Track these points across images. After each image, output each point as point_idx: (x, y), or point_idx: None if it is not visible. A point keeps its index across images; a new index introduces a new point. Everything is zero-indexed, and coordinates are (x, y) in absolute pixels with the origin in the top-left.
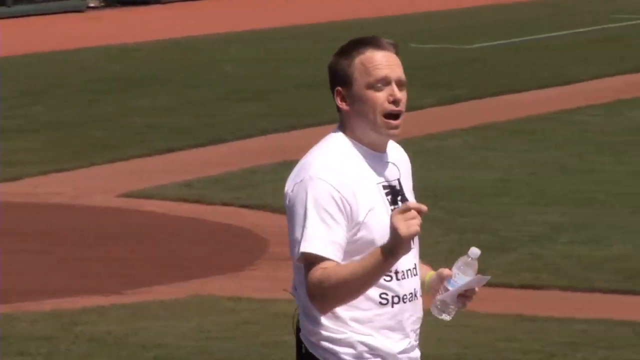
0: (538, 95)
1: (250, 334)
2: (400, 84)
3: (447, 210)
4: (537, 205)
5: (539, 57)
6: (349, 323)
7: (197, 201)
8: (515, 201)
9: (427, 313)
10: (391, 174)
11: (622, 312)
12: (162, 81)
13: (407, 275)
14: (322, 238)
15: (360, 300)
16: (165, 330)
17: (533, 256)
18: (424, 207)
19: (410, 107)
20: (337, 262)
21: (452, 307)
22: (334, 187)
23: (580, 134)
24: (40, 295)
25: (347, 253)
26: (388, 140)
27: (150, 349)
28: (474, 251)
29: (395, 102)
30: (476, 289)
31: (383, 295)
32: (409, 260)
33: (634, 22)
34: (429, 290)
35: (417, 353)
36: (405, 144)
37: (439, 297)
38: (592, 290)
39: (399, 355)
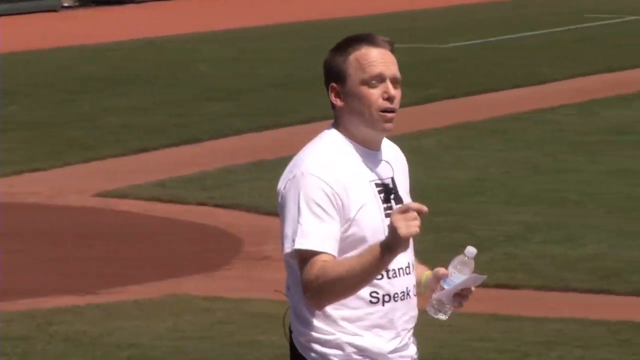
0: (512, 94)
1: (225, 333)
2: (394, 82)
3: None
4: (511, 205)
5: (514, 56)
6: (339, 322)
7: (171, 201)
8: (490, 200)
9: (422, 313)
10: (384, 172)
11: (597, 312)
12: (136, 81)
13: (399, 274)
14: (317, 233)
15: (350, 299)
16: (140, 330)
17: (507, 256)
18: (424, 208)
19: None
20: (333, 255)
21: (448, 306)
22: (326, 183)
23: (554, 134)
24: (15, 295)
25: (339, 250)
26: (382, 137)
27: (125, 348)
28: (471, 250)
29: (390, 99)
30: (472, 288)
31: (373, 294)
32: (402, 258)
33: (608, 22)
34: (426, 290)
35: (411, 351)
36: None
37: (435, 296)
38: (566, 289)
39: (390, 355)
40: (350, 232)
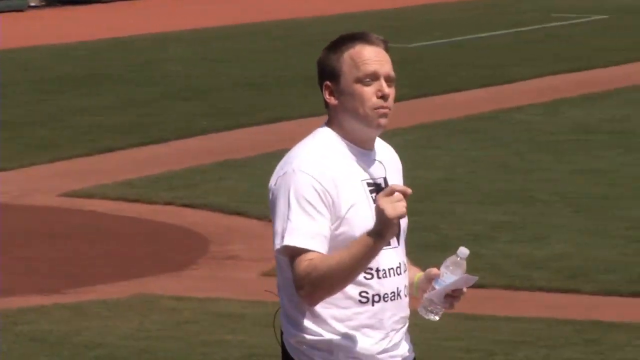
0: (479, 94)
1: (192, 333)
2: (389, 80)
3: None
4: (478, 204)
5: (480, 56)
6: (329, 321)
7: (137, 200)
8: (457, 200)
9: (411, 315)
10: (377, 171)
11: (563, 311)
12: (103, 80)
13: (389, 274)
14: (306, 230)
15: (339, 298)
16: (107, 330)
17: (474, 255)
18: (409, 190)
19: None
20: (323, 252)
21: (440, 306)
22: (316, 179)
23: (521, 133)
24: None
25: (330, 249)
26: (375, 135)
27: (92, 348)
28: (463, 251)
29: (384, 97)
30: (464, 289)
31: (363, 294)
32: (392, 259)
33: (574, 21)
34: (418, 291)
35: (402, 350)
36: None
37: (426, 295)
38: (533, 289)
39: (379, 356)
40: (340, 230)
